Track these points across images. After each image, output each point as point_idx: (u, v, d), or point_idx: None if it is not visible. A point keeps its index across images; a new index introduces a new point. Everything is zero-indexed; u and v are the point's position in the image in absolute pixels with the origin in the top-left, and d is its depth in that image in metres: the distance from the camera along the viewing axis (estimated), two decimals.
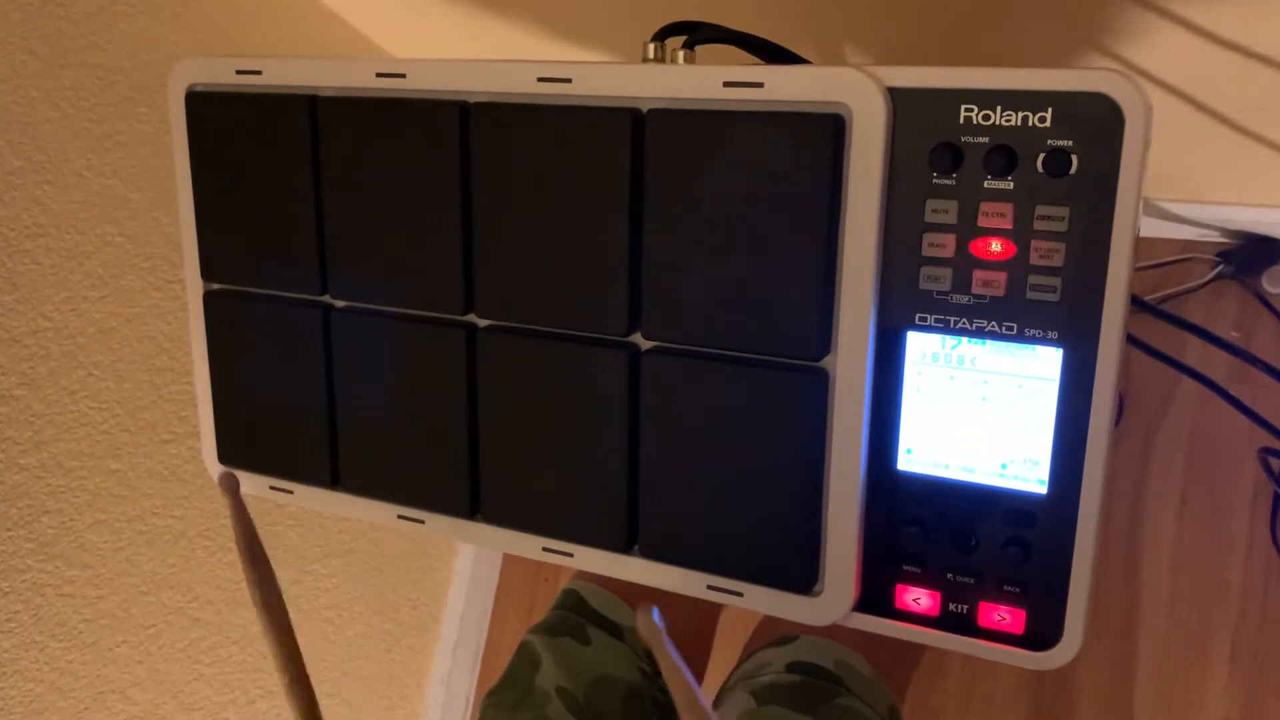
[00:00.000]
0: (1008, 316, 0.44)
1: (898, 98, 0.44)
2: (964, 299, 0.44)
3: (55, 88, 0.79)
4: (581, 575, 0.77)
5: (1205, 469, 1.14)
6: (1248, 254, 1.12)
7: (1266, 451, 1.10)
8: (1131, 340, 0.74)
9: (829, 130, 0.44)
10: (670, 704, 0.72)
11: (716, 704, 0.70)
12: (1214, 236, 1.15)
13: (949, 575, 0.47)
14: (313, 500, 0.62)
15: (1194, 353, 1.09)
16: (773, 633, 0.71)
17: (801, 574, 0.49)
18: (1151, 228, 1.15)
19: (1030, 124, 0.42)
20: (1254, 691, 1.11)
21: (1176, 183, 1.05)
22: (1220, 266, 1.13)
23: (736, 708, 0.65)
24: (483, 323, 0.55)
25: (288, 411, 0.61)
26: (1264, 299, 1.13)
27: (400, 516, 0.59)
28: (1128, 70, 0.67)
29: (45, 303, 0.82)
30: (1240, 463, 1.13)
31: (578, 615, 0.72)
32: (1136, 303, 0.69)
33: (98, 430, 0.88)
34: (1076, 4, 0.67)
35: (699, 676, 0.79)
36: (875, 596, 0.49)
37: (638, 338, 0.51)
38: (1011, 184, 0.43)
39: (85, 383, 0.86)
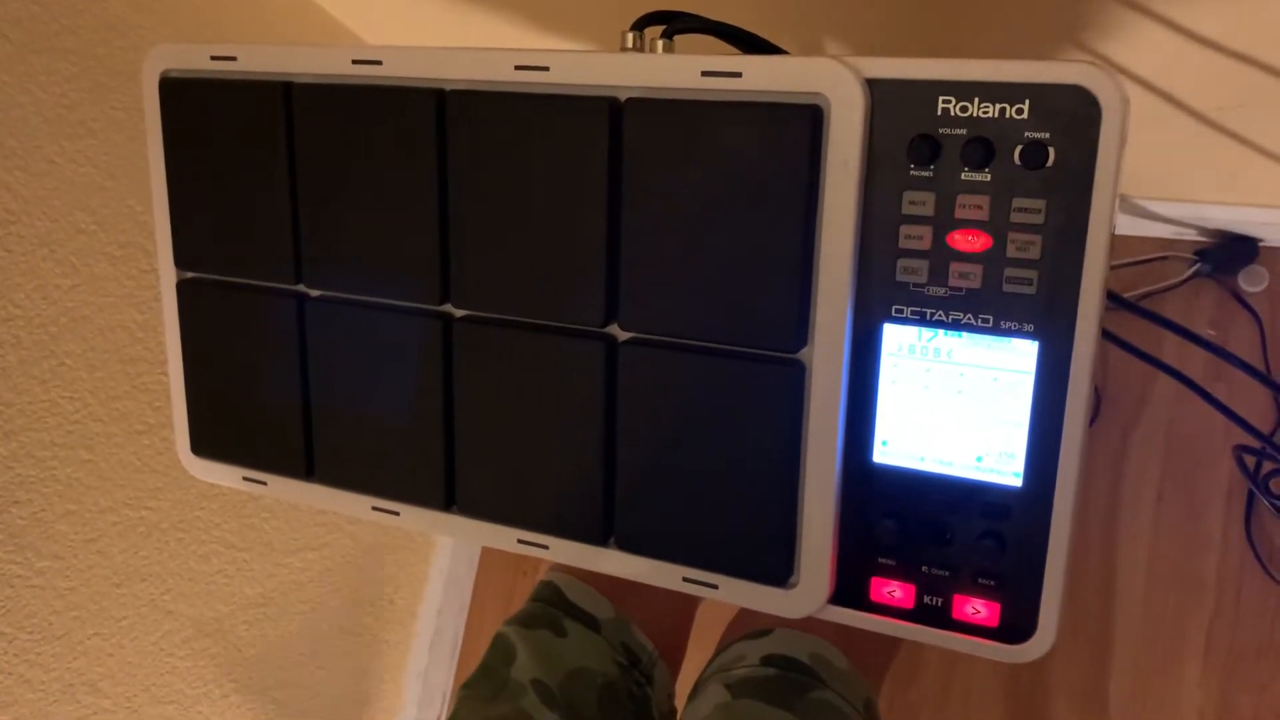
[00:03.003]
0: (984, 309, 0.44)
1: (876, 89, 0.43)
2: (940, 291, 0.44)
3: (27, 72, 0.78)
4: (559, 568, 0.76)
5: (1181, 466, 1.15)
6: (1225, 253, 1.13)
7: (1241, 449, 1.11)
8: (1109, 337, 0.75)
9: (807, 121, 0.44)
10: (646, 696, 0.72)
11: (692, 696, 0.70)
12: (1191, 235, 1.15)
13: (924, 568, 0.47)
14: (287, 492, 0.61)
15: (1171, 351, 1.10)
16: (749, 625, 0.71)
17: (777, 566, 0.49)
18: (1129, 226, 1.16)
19: (1008, 116, 0.42)
20: (1227, 686, 1.12)
21: (1154, 181, 1.05)
22: (1197, 265, 1.14)
23: (711, 701, 0.65)
24: (459, 313, 0.54)
25: (262, 402, 0.60)
26: (1240, 298, 1.14)
27: (375, 508, 0.59)
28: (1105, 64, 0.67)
29: (16, 290, 0.81)
30: (1216, 460, 1.14)
31: (554, 607, 0.72)
32: (1115, 300, 0.70)
33: (69, 420, 0.87)
34: (1060, 2, 0.67)
35: (675, 669, 0.79)
36: (850, 589, 0.49)
37: (614, 329, 0.51)
38: (988, 176, 0.42)
39: (57, 372, 0.85)
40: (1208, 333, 1.14)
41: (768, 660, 0.66)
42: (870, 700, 0.68)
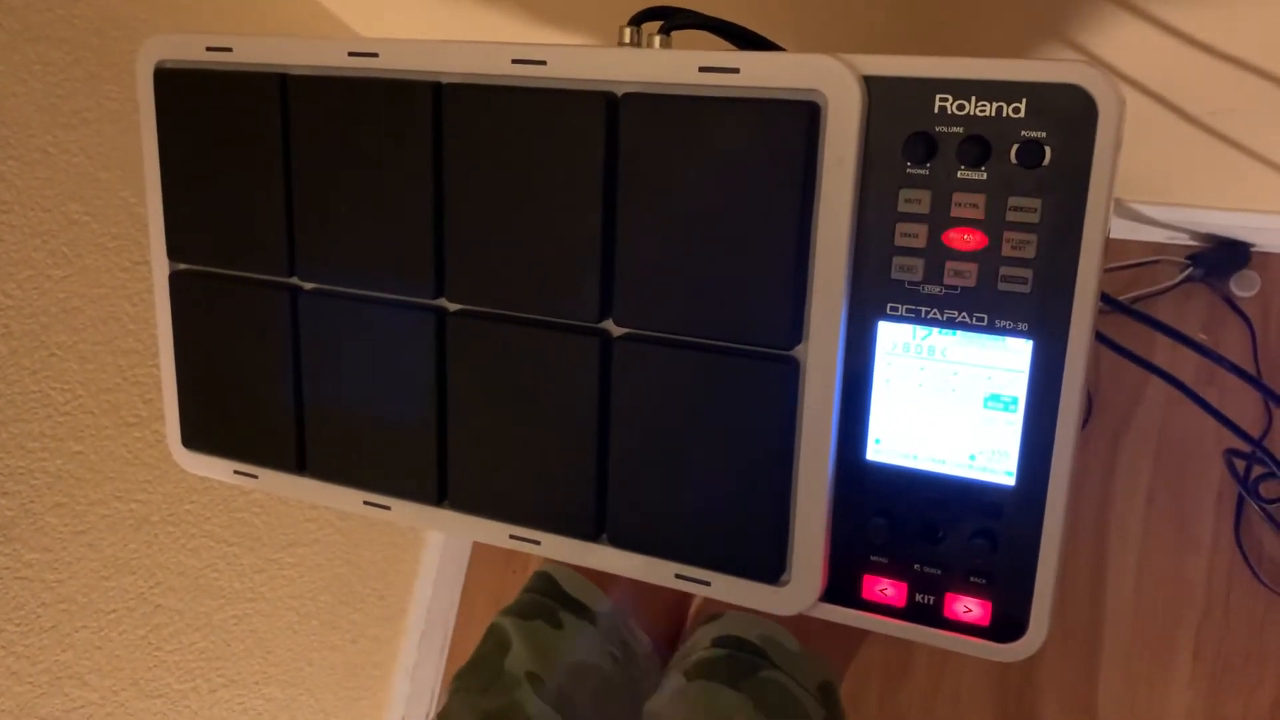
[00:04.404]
0: (978, 307, 0.44)
1: (873, 86, 0.43)
2: (935, 289, 0.44)
3: (21, 62, 0.78)
4: (553, 559, 0.76)
5: (1172, 469, 1.15)
6: (1217, 257, 1.13)
7: (1232, 453, 1.11)
8: (1101, 339, 0.75)
9: (803, 117, 0.44)
10: (641, 691, 0.72)
11: (659, 689, 0.70)
12: (1184, 239, 1.16)
13: (916, 566, 0.47)
14: (278, 486, 0.61)
15: (1163, 354, 1.10)
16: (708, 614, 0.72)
17: (769, 563, 0.49)
18: (1122, 229, 1.16)
19: (1004, 115, 0.42)
20: (1216, 688, 1.12)
21: (1147, 184, 1.05)
22: (1189, 269, 1.14)
23: (668, 688, 0.66)
24: (453, 307, 0.54)
25: (254, 395, 0.60)
26: (1232, 302, 1.14)
27: (367, 503, 0.59)
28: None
29: (7, 280, 0.80)
30: (1206, 463, 1.14)
31: (550, 599, 0.72)
32: (1107, 301, 0.70)
33: (59, 411, 0.86)
34: (1053, 1, 0.67)
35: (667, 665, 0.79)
36: (842, 587, 0.49)
37: (609, 324, 0.51)
38: (985, 175, 0.42)
39: (47, 363, 0.84)
40: (1199, 336, 1.14)
41: (717, 642, 0.67)
42: (827, 683, 0.67)
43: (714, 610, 0.71)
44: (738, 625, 0.68)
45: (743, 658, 0.65)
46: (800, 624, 0.68)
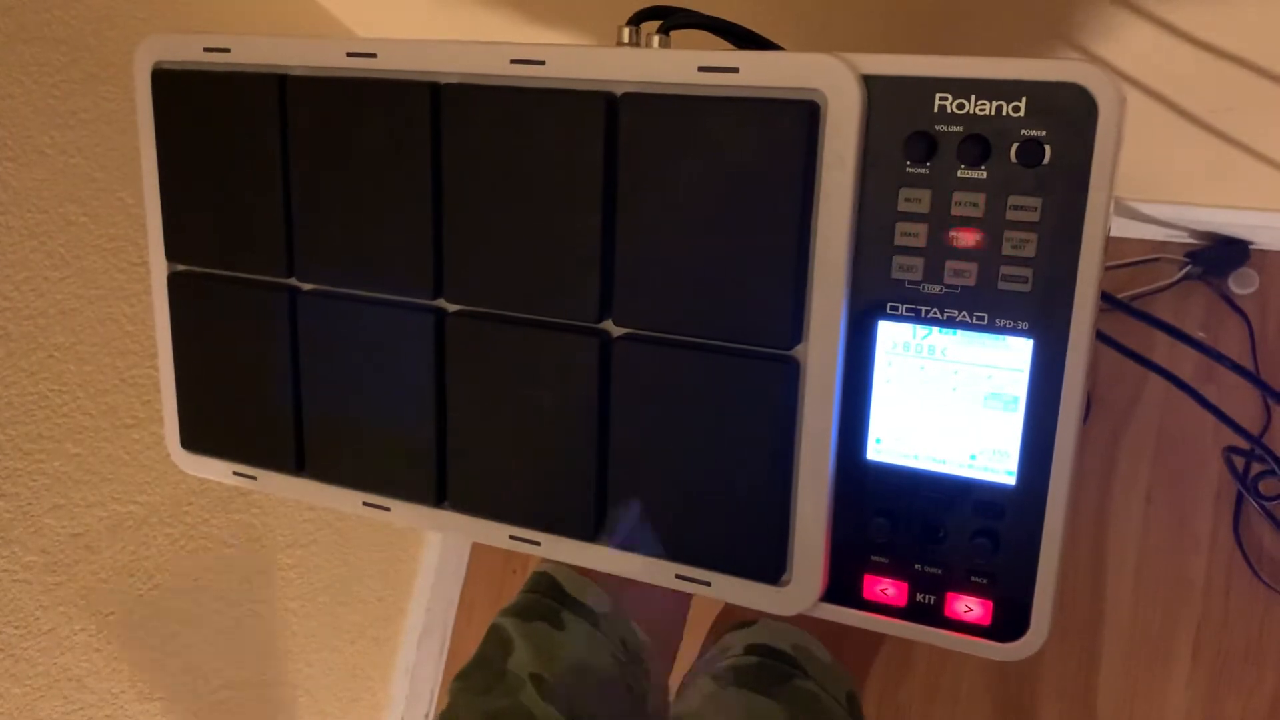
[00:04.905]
0: (979, 307, 0.44)
1: (873, 85, 0.43)
2: (936, 289, 0.44)
3: (18, 62, 0.78)
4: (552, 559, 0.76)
5: (1171, 467, 1.15)
6: (1215, 255, 1.13)
7: (1231, 450, 1.11)
8: (1101, 337, 0.75)
9: (803, 117, 0.44)
10: (644, 691, 0.72)
11: (681, 691, 0.70)
12: (1182, 237, 1.16)
13: (917, 566, 0.47)
14: (277, 487, 0.61)
15: (1162, 352, 1.10)
16: (738, 619, 0.71)
17: (770, 564, 0.49)
18: (1120, 227, 1.16)
19: (1004, 113, 0.42)
20: (1214, 688, 1.12)
21: (1146, 182, 1.05)
22: (1188, 267, 1.14)
23: (699, 693, 0.66)
24: (452, 307, 0.54)
25: (253, 396, 0.60)
26: (1231, 300, 1.14)
27: (366, 504, 0.59)
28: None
29: (4, 282, 0.80)
30: (1205, 461, 1.14)
31: (551, 599, 0.72)
32: (1106, 300, 0.70)
33: (57, 413, 0.86)
34: (1053, 1, 0.67)
35: (670, 666, 0.78)
36: (843, 587, 0.49)
37: (609, 324, 0.51)
38: (985, 174, 0.42)
39: (45, 364, 0.84)
40: (1198, 334, 1.14)
41: (750, 650, 0.67)
42: (853, 694, 0.68)
43: (745, 617, 0.71)
44: (771, 634, 0.68)
45: (776, 666, 0.66)
46: (830, 631, 0.68)
